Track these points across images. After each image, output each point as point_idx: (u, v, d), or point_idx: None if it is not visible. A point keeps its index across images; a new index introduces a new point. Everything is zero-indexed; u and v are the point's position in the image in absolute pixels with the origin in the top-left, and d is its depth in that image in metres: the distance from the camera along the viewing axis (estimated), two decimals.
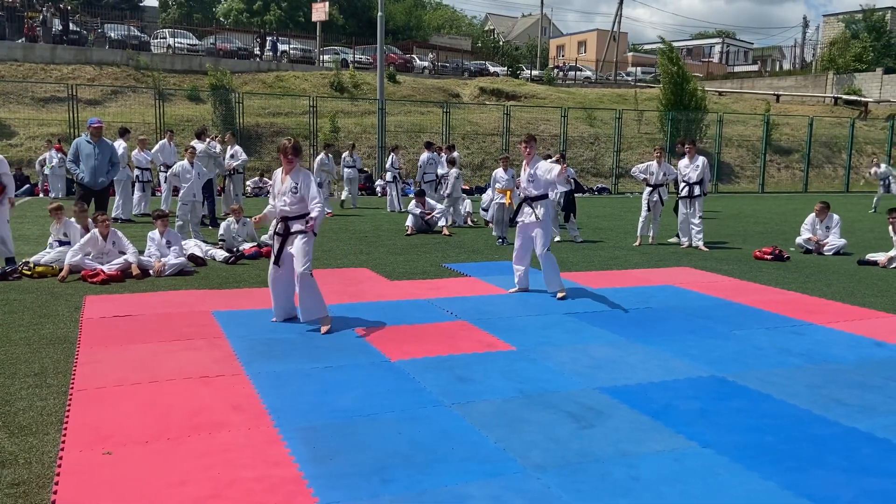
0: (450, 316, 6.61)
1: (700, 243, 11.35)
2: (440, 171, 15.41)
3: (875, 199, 19.47)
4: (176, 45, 31.49)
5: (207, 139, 13.09)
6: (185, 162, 10.93)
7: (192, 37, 33.48)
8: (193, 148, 11.43)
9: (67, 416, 4.03)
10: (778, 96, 41.64)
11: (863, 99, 40.69)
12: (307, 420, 4.04)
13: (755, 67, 63.28)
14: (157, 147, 14.68)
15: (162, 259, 8.35)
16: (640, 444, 3.84)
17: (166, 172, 13.69)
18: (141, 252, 8.47)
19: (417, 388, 4.64)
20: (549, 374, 4.97)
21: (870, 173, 17.06)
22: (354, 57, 36.63)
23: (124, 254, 8.23)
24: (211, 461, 3.49)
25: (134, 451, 3.60)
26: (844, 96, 41.51)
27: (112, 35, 30.73)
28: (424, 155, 15.54)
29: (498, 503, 3.16)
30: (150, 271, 8.21)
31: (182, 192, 10.79)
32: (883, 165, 19.47)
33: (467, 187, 18.78)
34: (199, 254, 9.15)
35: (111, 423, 3.92)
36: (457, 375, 4.89)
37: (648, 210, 11.59)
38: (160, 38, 32.70)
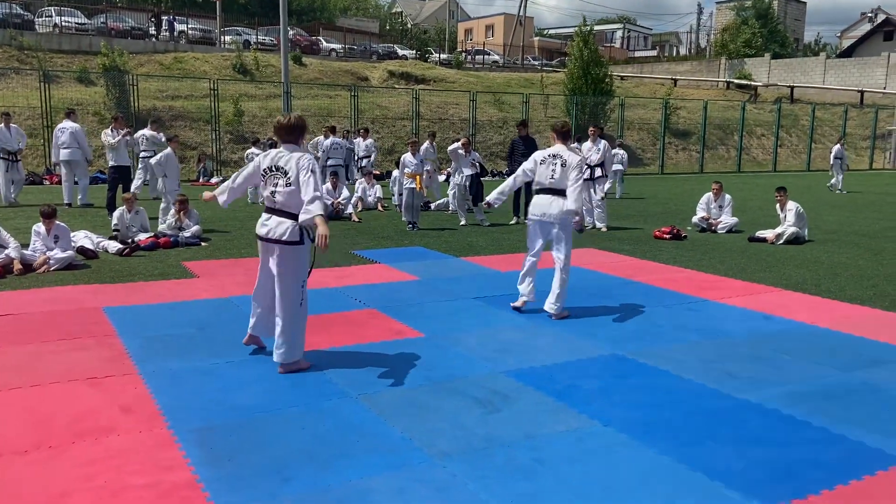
0: (358, 304, 6.51)
1: (602, 225, 11.65)
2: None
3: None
4: (63, 23, 29.60)
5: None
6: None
7: (80, 15, 31.45)
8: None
9: None
10: (675, 80, 43.36)
11: (752, 83, 42.96)
12: (204, 420, 3.86)
13: (654, 53, 65.60)
14: None
15: (47, 253, 7.81)
16: (544, 425, 3.88)
17: (7, 158, 13.03)
18: (25, 246, 7.90)
19: (323, 379, 4.52)
20: (458, 360, 4.96)
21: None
22: (257, 38, 35.51)
23: (4, 248, 7.65)
24: (97, 469, 3.28)
25: (11, 463, 3.33)
26: (736, 80, 43.73)
27: None
28: (329, 140, 15.24)
29: (402, 496, 3.11)
30: (34, 266, 7.67)
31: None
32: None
33: (378, 172, 18.55)
34: (89, 246, 8.62)
35: None
36: (365, 365, 4.80)
37: None
38: (45, 17, 30.61)
